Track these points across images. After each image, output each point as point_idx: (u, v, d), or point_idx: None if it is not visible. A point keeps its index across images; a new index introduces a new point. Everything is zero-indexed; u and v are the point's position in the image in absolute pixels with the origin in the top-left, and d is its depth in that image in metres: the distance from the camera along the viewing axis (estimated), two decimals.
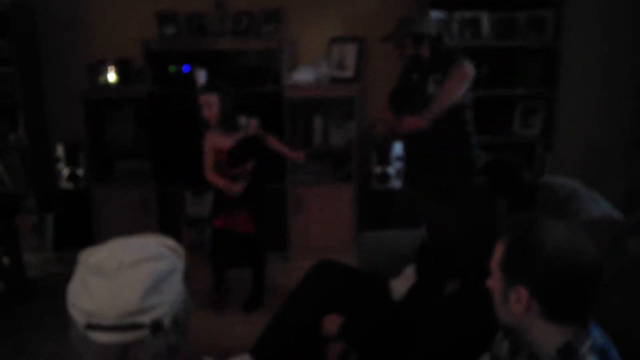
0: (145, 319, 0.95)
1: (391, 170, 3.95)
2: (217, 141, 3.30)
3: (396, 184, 3.97)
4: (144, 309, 0.94)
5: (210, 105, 3.18)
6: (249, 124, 3.29)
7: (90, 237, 4.19)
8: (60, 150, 4.17)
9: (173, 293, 1.00)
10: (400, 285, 2.27)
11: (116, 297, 0.94)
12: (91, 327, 0.94)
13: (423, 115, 2.86)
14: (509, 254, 1.26)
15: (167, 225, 4.14)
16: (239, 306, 3.41)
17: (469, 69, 2.88)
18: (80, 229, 4.22)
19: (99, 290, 0.95)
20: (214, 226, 3.40)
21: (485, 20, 3.85)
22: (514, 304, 1.24)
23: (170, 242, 1.10)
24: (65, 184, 4.21)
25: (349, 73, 4.06)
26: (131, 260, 0.97)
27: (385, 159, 3.95)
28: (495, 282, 1.29)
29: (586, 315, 1.23)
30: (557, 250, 1.19)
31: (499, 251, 1.29)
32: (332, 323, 2.09)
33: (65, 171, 4.19)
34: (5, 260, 3.48)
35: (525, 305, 1.22)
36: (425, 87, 3.05)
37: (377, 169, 3.97)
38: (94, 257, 0.99)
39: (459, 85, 2.87)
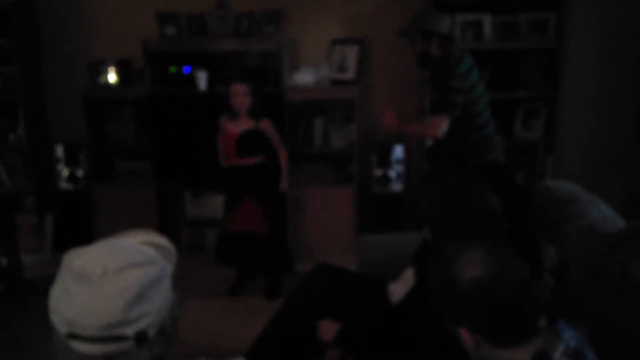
0: (129, 330, 0.90)
1: (392, 172, 3.93)
2: (229, 127, 3.44)
3: (397, 186, 3.95)
4: (127, 320, 0.90)
5: (244, 93, 3.35)
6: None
7: (90, 238, 4.15)
8: (59, 151, 4.16)
9: (160, 301, 0.94)
10: (399, 288, 2.25)
11: (98, 307, 0.89)
12: (72, 336, 0.90)
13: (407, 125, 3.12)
14: (436, 300, 1.25)
15: (167, 226, 4.12)
16: (240, 308, 3.40)
17: (438, 124, 2.85)
18: (80, 230, 4.20)
19: (81, 298, 0.90)
20: (227, 231, 3.52)
21: (488, 22, 3.83)
22: (466, 342, 1.23)
23: (162, 240, 1.06)
24: (65, 185, 4.19)
25: (350, 75, 4.04)
26: (117, 266, 0.92)
27: (385, 162, 3.92)
28: (449, 325, 1.28)
29: (533, 329, 1.20)
30: (473, 282, 1.17)
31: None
32: (328, 329, 2.07)
33: (65, 172, 4.17)
34: (3, 261, 3.47)
35: (473, 342, 1.20)
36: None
37: (378, 172, 3.95)
38: (78, 261, 0.94)
39: (426, 133, 3.05)
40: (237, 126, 3.42)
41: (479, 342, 1.20)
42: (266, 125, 3.44)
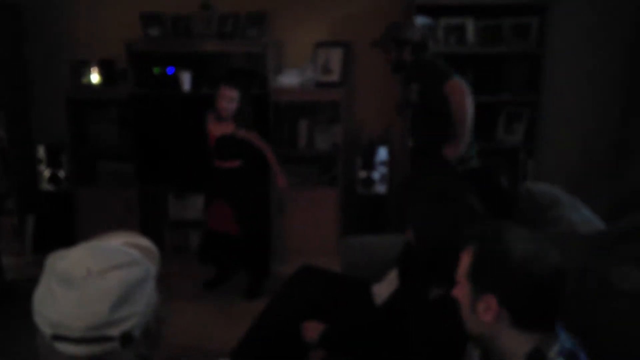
0: (114, 331, 0.91)
1: (376, 175, 3.94)
2: (212, 127, 3.44)
3: (380, 188, 3.97)
4: (112, 321, 0.90)
5: (231, 99, 3.31)
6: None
7: (72, 240, 4.13)
8: (41, 152, 4.11)
9: (144, 302, 0.95)
10: (383, 289, 2.27)
11: (83, 309, 0.90)
12: (57, 338, 0.91)
13: (456, 144, 3.00)
14: (477, 263, 1.27)
15: (151, 228, 4.10)
16: (225, 309, 3.39)
17: (461, 86, 2.96)
18: (62, 232, 4.15)
19: (66, 301, 0.90)
20: (207, 228, 3.57)
21: (471, 26, 3.87)
22: (483, 313, 1.24)
23: (145, 241, 1.06)
24: (47, 186, 4.15)
25: (334, 77, 4.06)
26: (101, 267, 0.92)
27: (369, 164, 3.94)
28: (462, 292, 1.30)
29: (553, 321, 1.24)
30: (523, 258, 1.20)
31: (465, 261, 1.29)
32: (312, 330, 2.08)
33: (46, 173, 4.13)
34: None
35: (495, 314, 1.22)
36: (408, 93, 3.18)
37: (362, 174, 3.96)
38: (61, 263, 0.94)
39: (464, 105, 2.95)
40: (219, 129, 3.43)
41: (500, 316, 1.22)
42: (246, 133, 3.41)
